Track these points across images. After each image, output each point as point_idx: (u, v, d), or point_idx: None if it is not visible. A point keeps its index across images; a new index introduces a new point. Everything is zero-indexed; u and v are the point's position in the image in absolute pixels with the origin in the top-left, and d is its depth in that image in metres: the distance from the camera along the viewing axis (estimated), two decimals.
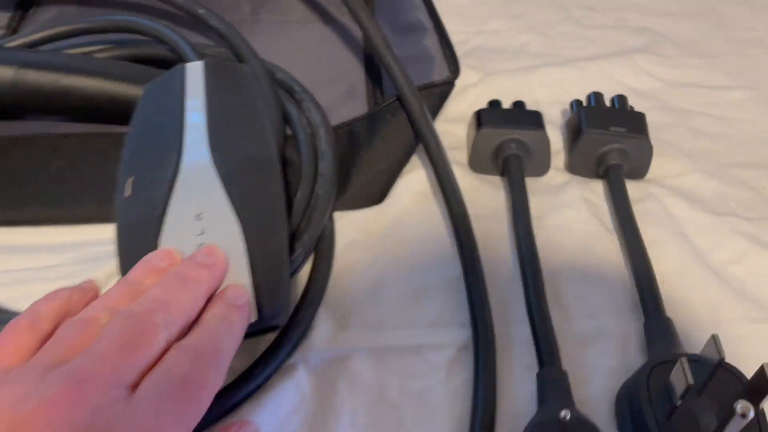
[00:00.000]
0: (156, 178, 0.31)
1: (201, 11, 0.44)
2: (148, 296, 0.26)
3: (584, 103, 0.45)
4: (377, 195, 0.41)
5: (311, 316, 0.35)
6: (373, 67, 0.49)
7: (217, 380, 0.25)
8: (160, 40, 0.43)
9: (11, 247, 0.38)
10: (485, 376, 0.32)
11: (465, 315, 0.35)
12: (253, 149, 0.33)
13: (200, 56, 0.40)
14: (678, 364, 0.28)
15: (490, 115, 0.43)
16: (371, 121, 0.42)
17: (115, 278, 0.31)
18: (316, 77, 0.46)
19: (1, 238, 0.38)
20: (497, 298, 0.36)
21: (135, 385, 0.23)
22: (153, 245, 0.29)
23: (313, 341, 0.34)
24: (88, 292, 0.28)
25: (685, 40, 0.55)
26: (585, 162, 0.43)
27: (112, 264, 0.31)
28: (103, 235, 0.34)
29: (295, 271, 0.35)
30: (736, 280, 0.38)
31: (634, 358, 0.34)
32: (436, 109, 0.43)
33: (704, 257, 0.39)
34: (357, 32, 0.52)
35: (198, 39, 0.48)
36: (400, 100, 0.40)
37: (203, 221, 0.30)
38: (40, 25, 0.52)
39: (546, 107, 0.47)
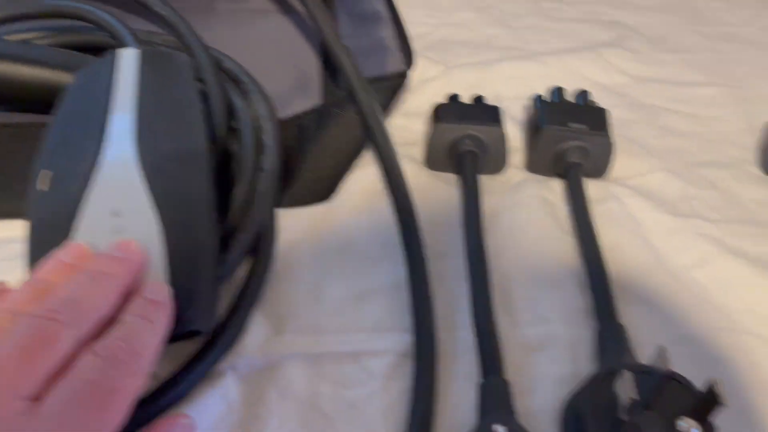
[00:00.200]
0: (73, 171, 0.30)
1: None
2: (54, 296, 0.24)
3: (547, 99, 0.43)
4: (324, 192, 0.39)
5: (243, 321, 0.33)
6: (331, 60, 0.47)
7: (134, 385, 0.23)
8: (99, 26, 0.40)
9: None
10: (424, 386, 0.30)
11: (408, 319, 0.33)
12: (181, 143, 0.31)
13: (141, 44, 0.38)
14: (622, 376, 0.26)
15: (447, 110, 0.41)
16: (320, 115, 0.40)
17: None
18: (270, 68, 0.44)
19: None
20: (445, 302, 0.34)
21: (41, 395, 0.21)
22: (65, 242, 0.28)
23: (245, 346, 0.32)
24: None
25: (657, 35, 0.53)
26: (544, 159, 0.41)
27: None
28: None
29: (229, 272, 0.33)
30: (698, 285, 0.36)
31: (585, 367, 0.32)
32: (389, 101, 0.41)
33: (665, 261, 0.37)
34: None
35: (149, 27, 0.46)
36: (349, 94, 0.39)
37: (121, 218, 0.28)
38: None
39: (508, 103, 0.45)
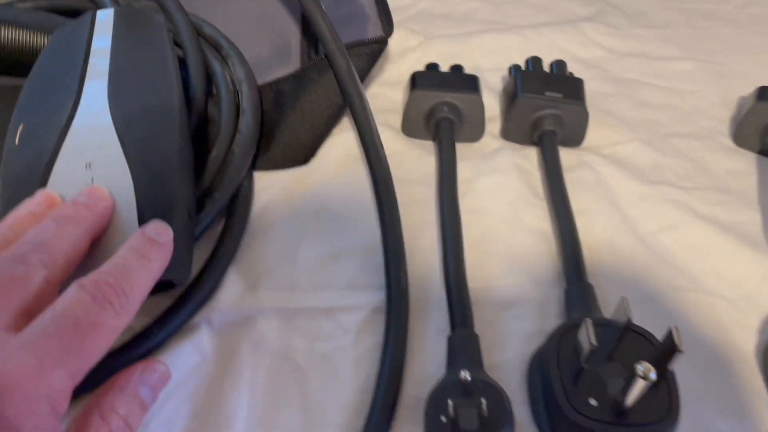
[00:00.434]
0: (48, 126, 0.30)
1: None
2: (22, 239, 0.24)
3: (522, 69, 0.44)
4: (302, 156, 0.39)
5: (218, 276, 0.33)
6: (310, 28, 0.47)
7: (118, 323, 0.23)
8: None
9: None
10: (395, 338, 0.31)
11: (381, 279, 0.34)
12: (154, 100, 0.31)
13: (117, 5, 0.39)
14: (582, 325, 0.27)
15: (424, 78, 0.42)
16: (298, 80, 0.40)
17: None
18: (250, 36, 0.45)
19: None
20: (418, 262, 0.35)
21: (19, 327, 0.21)
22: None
23: (219, 301, 0.33)
24: None
25: (636, 11, 0.53)
26: (519, 127, 0.41)
27: None
28: None
29: (205, 229, 0.34)
30: (665, 249, 0.37)
31: (553, 325, 0.32)
32: (367, 68, 0.41)
33: (634, 226, 0.38)
34: None
35: None
36: (327, 57, 0.39)
37: (93, 171, 0.29)
38: None
39: (486, 74, 0.46)
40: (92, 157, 0.29)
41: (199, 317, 0.32)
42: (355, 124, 0.38)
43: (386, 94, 0.44)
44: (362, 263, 0.35)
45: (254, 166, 0.38)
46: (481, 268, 0.35)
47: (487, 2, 0.53)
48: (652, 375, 0.25)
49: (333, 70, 0.39)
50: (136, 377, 0.24)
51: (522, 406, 0.30)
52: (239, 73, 0.39)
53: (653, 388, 0.27)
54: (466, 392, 0.28)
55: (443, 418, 0.27)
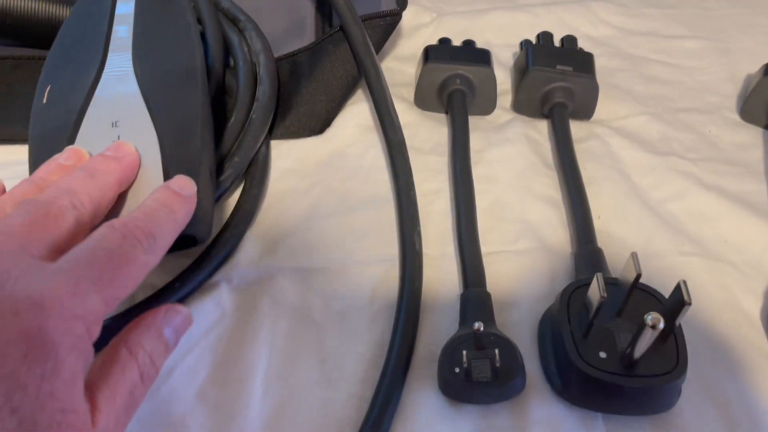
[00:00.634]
0: (75, 86, 0.31)
1: None
2: (54, 185, 0.25)
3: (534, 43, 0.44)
4: (318, 125, 0.40)
5: (238, 236, 0.34)
6: (325, 2, 0.48)
7: (147, 260, 0.24)
8: None
9: None
10: (409, 295, 0.32)
11: (396, 241, 0.35)
12: (177, 61, 0.32)
13: None
14: (594, 279, 0.28)
15: (437, 51, 0.42)
16: (314, 52, 0.41)
17: None
18: (266, 9, 0.46)
19: None
20: (432, 226, 0.36)
21: (55, 258, 0.22)
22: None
23: (238, 261, 0.34)
24: None
25: None
26: (530, 100, 0.42)
27: None
28: None
29: (225, 191, 0.35)
30: (672, 216, 0.37)
31: (562, 287, 0.33)
32: (381, 41, 0.42)
33: (642, 194, 0.38)
34: None
35: None
36: (342, 28, 0.40)
37: (119, 128, 0.30)
38: None
39: (497, 50, 0.47)
40: (118, 115, 0.30)
41: (219, 275, 0.33)
42: (370, 91, 0.39)
43: (400, 68, 0.45)
44: (377, 226, 0.36)
45: (272, 134, 0.39)
46: (493, 233, 0.36)
47: None
48: (661, 324, 0.26)
49: (348, 41, 0.40)
50: (161, 318, 0.25)
51: (533, 363, 0.31)
52: (256, 45, 0.40)
53: (661, 342, 0.28)
54: (479, 345, 0.29)
55: (457, 369, 0.28)
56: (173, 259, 0.33)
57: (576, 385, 0.29)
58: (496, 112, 0.43)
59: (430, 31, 0.48)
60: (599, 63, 0.44)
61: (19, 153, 0.37)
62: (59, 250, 0.22)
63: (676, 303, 0.27)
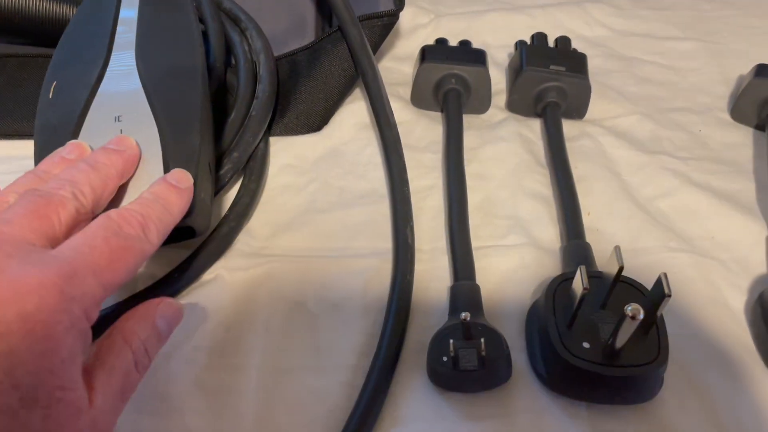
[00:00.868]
0: (80, 82, 0.32)
1: None
2: (57, 176, 0.27)
3: (528, 44, 0.45)
4: (316, 123, 0.41)
5: (236, 229, 0.35)
6: (325, 2, 0.49)
7: (143, 247, 0.25)
8: None
9: None
10: (401, 288, 0.33)
11: (389, 235, 0.36)
12: (179, 59, 0.33)
13: None
14: (577, 271, 0.29)
15: (433, 51, 0.43)
16: (313, 51, 0.42)
17: None
18: (267, 9, 0.47)
19: None
20: (425, 221, 0.37)
21: (56, 246, 0.23)
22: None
23: (235, 254, 0.35)
24: None
25: None
26: (524, 99, 0.43)
27: None
28: None
29: (224, 185, 0.36)
30: (661, 213, 0.38)
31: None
32: (378, 41, 0.43)
33: (632, 192, 0.39)
34: None
35: None
36: (340, 29, 0.41)
37: (122, 123, 0.31)
38: None
39: (494, 50, 0.48)
40: (121, 110, 0.31)
41: (217, 266, 0.34)
42: (367, 91, 0.40)
43: (397, 68, 0.46)
44: (371, 221, 0.37)
45: (271, 131, 0.40)
46: (485, 229, 0.37)
47: None
48: (640, 315, 0.26)
49: (346, 41, 0.41)
50: (155, 309, 0.26)
51: (520, 354, 0.32)
52: (257, 44, 0.41)
53: (643, 333, 0.29)
54: (467, 335, 0.30)
55: (444, 358, 0.29)
56: (173, 250, 0.34)
57: (560, 374, 0.29)
58: (491, 111, 0.44)
59: (428, 32, 0.49)
60: (594, 64, 0.45)
61: (26, 148, 0.38)
62: (59, 238, 0.24)
63: (658, 295, 0.28)
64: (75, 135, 0.30)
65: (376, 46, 0.43)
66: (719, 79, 0.48)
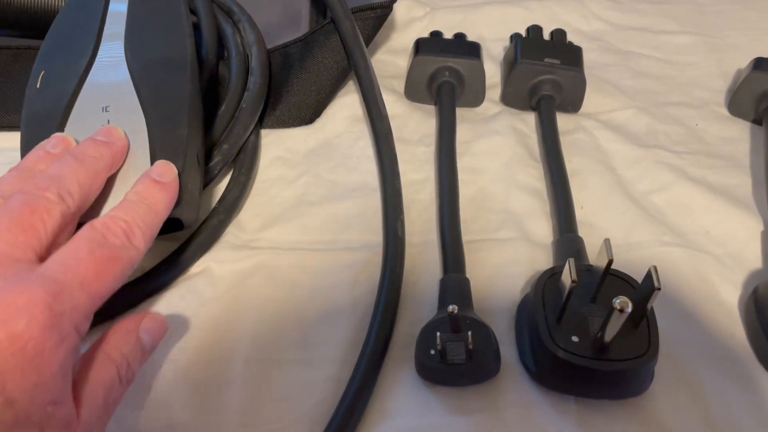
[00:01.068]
0: (68, 72, 0.32)
1: None
2: (43, 174, 0.26)
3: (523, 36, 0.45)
4: (308, 115, 0.41)
5: (225, 221, 0.35)
6: None
7: (129, 255, 0.25)
8: None
9: None
10: (390, 281, 0.32)
11: (380, 228, 0.36)
12: (168, 50, 0.33)
13: None
14: (566, 264, 0.28)
15: (427, 44, 0.43)
16: (306, 43, 0.42)
17: None
18: (261, 2, 0.47)
19: None
20: (416, 215, 0.37)
21: (42, 259, 0.23)
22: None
23: (224, 246, 0.35)
24: None
25: None
26: (519, 92, 0.43)
27: None
28: None
29: (213, 178, 0.36)
30: (655, 207, 0.38)
31: None
32: (372, 33, 0.42)
33: (627, 186, 0.39)
34: None
35: None
36: (333, 20, 0.41)
37: (109, 113, 0.30)
38: None
39: (489, 44, 0.47)
40: (109, 100, 0.31)
41: (206, 259, 0.34)
42: (359, 82, 0.40)
43: (391, 60, 0.46)
44: (362, 214, 0.37)
45: (262, 123, 0.40)
46: (477, 223, 0.37)
47: None
48: (629, 308, 0.26)
49: (339, 33, 0.40)
50: (138, 324, 0.26)
51: (510, 348, 0.31)
52: (249, 37, 0.41)
53: (633, 327, 0.29)
54: (454, 328, 0.29)
55: (432, 351, 0.29)
56: (161, 242, 0.34)
57: (548, 368, 0.29)
58: (485, 104, 0.44)
59: (424, 25, 0.49)
60: (590, 57, 0.44)
61: (17, 140, 0.38)
62: (45, 248, 0.23)
63: (648, 289, 0.28)
64: (62, 125, 0.30)
65: (370, 38, 0.42)
66: (717, 74, 0.47)
